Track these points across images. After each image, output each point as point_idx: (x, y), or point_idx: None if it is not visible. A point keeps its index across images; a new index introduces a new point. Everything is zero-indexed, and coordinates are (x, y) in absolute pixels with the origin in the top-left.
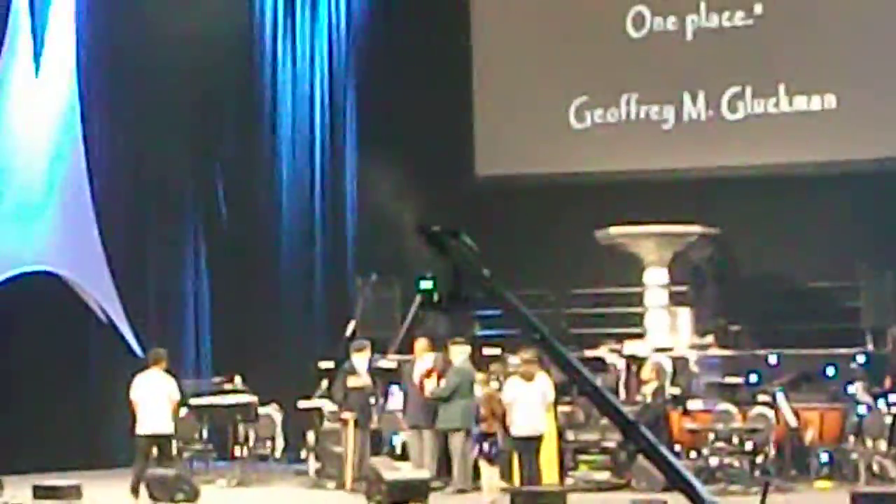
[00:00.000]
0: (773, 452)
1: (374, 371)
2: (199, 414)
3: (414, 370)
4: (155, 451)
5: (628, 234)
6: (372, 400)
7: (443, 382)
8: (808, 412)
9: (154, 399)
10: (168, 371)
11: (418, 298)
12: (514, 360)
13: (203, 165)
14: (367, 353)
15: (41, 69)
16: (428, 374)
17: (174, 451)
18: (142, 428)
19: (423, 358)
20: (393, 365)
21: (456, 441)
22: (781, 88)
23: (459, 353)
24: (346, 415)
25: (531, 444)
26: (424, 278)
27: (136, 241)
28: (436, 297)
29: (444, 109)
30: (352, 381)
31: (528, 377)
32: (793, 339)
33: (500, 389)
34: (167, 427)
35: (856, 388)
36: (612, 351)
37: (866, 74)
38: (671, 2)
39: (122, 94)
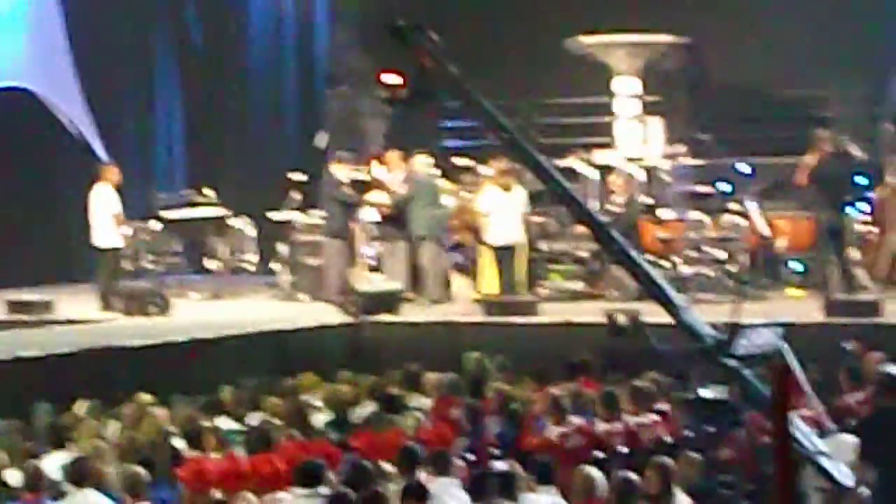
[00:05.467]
0: (745, 261)
1: (352, 183)
2: (172, 227)
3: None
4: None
5: (599, 44)
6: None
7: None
8: (781, 220)
9: (97, 213)
10: (117, 186)
11: (383, 94)
12: (484, 170)
13: None
14: (347, 165)
15: None
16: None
17: (120, 265)
18: (94, 241)
19: (396, 170)
20: (367, 177)
21: (426, 251)
22: None
23: (419, 164)
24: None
25: (508, 253)
26: (389, 73)
27: (106, 55)
28: (402, 94)
29: None
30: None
31: (506, 187)
32: (765, 147)
33: (471, 200)
34: (111, 241)
35: None
36: (583, 161)
37: None
38: None
39: None
